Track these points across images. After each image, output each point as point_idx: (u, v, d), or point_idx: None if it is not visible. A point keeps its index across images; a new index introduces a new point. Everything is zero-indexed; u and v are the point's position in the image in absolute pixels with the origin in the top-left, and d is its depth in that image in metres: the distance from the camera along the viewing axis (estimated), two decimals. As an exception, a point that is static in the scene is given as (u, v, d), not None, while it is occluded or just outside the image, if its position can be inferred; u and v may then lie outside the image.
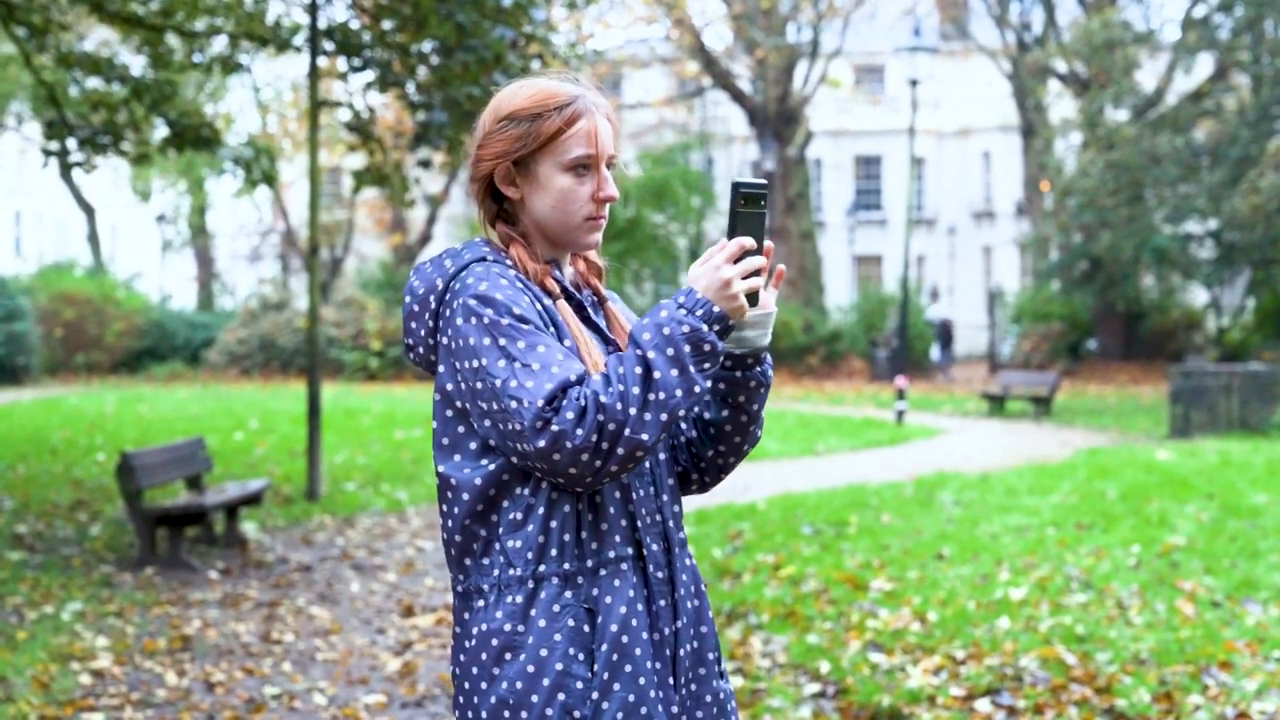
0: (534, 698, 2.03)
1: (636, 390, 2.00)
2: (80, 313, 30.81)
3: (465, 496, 2.10)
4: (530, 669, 2.05)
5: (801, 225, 32.43)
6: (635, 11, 31.37)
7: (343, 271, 35.99)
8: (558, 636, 2.06)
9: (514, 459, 2.07)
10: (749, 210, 2.09)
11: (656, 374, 2.01)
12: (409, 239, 35.64)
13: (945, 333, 29.74)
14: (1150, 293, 31.25)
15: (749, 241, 2.08)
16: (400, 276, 33.60)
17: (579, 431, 1.98)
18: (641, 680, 2.09)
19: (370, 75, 11.72)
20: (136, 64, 13.99)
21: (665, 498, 2.22)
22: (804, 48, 31.92)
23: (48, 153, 12.69)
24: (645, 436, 2.00)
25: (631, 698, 2.08)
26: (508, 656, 2.07)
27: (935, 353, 29.42)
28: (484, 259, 2.16)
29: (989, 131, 42.76)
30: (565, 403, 1.99)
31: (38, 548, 8.93)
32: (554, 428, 1.98)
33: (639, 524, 2.16)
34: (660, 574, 2.18)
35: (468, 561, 2.13)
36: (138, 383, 29.29)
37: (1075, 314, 30.87)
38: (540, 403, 1.99)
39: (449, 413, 2.13)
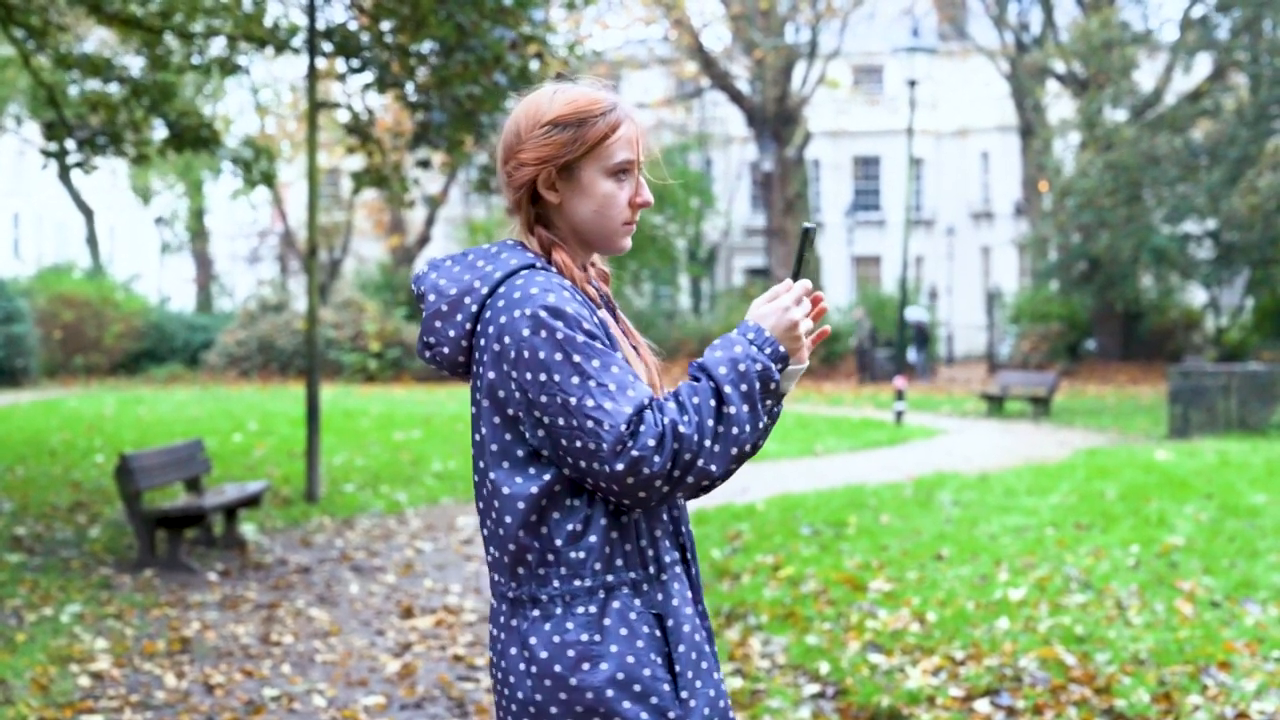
0: (625, 704, 2.05)
1: (710, 422, 2.04)
2: (79, 315, 30.81)
3: (520, 506, 2.08)
4: (619, 677, 2.05)
5: (800, 225, 32.42)
6: (634, 12, 31.39)
7: (341, 273, 36.00)
8: (640, 644, 2.08)
9: (574, 474, 2.06)
10: (811, 254, 2.20)
11: (730, 409, 2.05)
12: (407, 240, 35.64)
13: (921, 335, 29.73)
14: (1149, 293, 31.27)
15: (810, 286, 2.18)
16: (400, 278, 33.61)
17: (657, 459, 2.00)
18: (716, 675, 2.19)
19: (369, 76, 11.72)
20: (135, 65, 14.00)
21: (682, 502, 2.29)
22: (802, 48, 31.93)
23: (47, 154, 12.69)
24: (715, 469, 2.05)
25: (712, 693, 2.16)
26: (586, 666, 2.06)
27: (912, 354, 29.41)
28: (532, 265, 2.13)
29: (987, 132, 42.77)
30: (644, 428, 2.01)
31: (37, 550, 8.93)
32: (634, 453, 2.00)
33: (682, 528, 2.23)
34: (696, 575, 2.27)
35: (521, 570, 2.11)
36: (136, 385, 29.29)
37: (1074, 314, 30.89)
38: (622, 426, 2.00)
39: (497, 419, 2.10)
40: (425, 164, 11.94)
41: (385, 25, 11.34)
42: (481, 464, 2.14)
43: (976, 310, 40.99)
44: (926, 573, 7.82)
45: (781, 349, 2.11)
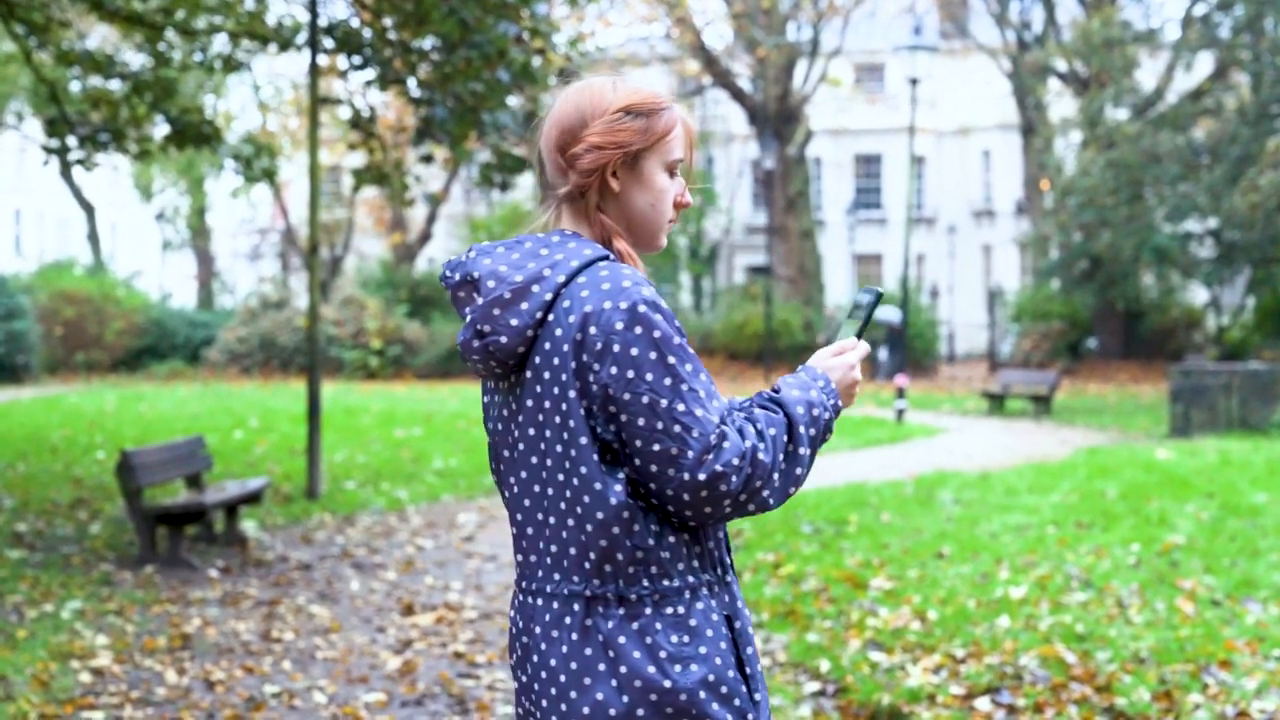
0: (714, 705, 2.03)
1: (780, 457, 2.04)
2: (80, 311, 30.82)
3: (613, 501, 2.01)
4: (709, 679, 2.03)
5: (801, 224, 32.44)
6: (636, 10, 31.38)
7: (343, 270, 36.01)
8: (722, 645, 2.07)
9: (639, 476, 2.01)
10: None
11: (803, 450, 2.07)
12: (409, 238, 35.65)
13: (893, 335, 29.74)
14: (1150, 292, 31.26)
15: (869, 350, 2.24)
16: (401, 275, 33.61)
17: (734, 479, 1.98)
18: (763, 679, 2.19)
19: (371, 73, 11.72)
20: (137, 62, 14.00)
21: None
22: (804, 46, 31.93)
23: (48, 150, 12.70)
24: (773, 502, 2.04)
25: (767, 693, 2.17)
26: (678, 669, 2.01)
27: (883, 354, 29.41)
28: (607, 256, 2.08)
29: (989, 130, 42.76)
30: (728, 445, 1.99)
31: (38, 546, 8.93)
32: (717, 467, 1.97)
33: (726, 532, 2.22)
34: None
35: (607, 568, 2.04)
36: (138, 381, 29.30)
37: (1075, 313, 30.88)
38: (711, 437, 1.98)
39: (582, 411, 2.02)
40: (428, 159, 11.93)
41: (387, 21, 11.34)
42: (555, 460, 2.05)
43: (978, 309, 40.98)
44: (927, 571, 7.82)
45: (840, 404, 2.16)
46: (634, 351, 1.98)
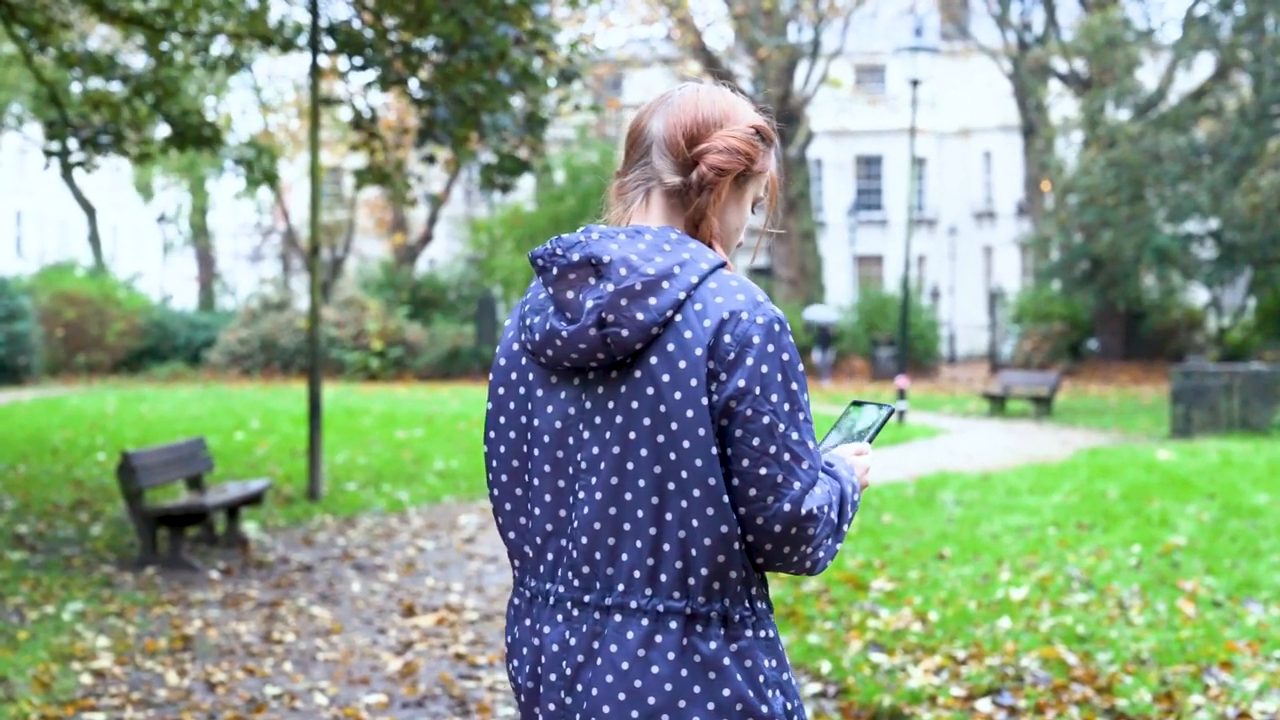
0: None
1: (835, 526, 2.02)
2: (81, 313, 30.83)
3: (735, 516, 1.93)
4: (790, 706, 2.00)
5: (802, 225, 32.45)
6: (637, 11, 31.39)
7: (344, 271, 36.02)
8: (788, 674, 2.04)
9: (730, 495, 1.93)
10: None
11: (845, 526, 2.05)
12: (410, 239, 35.65)
13: (825, 336, 29.79)
14: (1151, 292, 31.27)
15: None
16: (402, 277, 33.59)
17: (820, 524, 1.95)
18: None
19: (372, 74, 11.72)
20: (138, 63, 14.01)
21: None
22: (805, 48, 31.93)
23: (49, 153, 12.70)
24: (823, 565, 2.02)
25: None
26: (771, 694, 1.97)
27: (816, 356, 29.46)
28: (725, 264, 2.00)
29: (990, 131, 42.77)
30: (820, 492, 1.96)
31: (39, 548, 8.93)
32: (812, 507, 1.93)
33: None
34: None
35: (716, 585, 1.94)
36: (139, 383, 29.30)
37: (1076, 314, 30.89)
38: (818, 472, 1.96)
39: (711, 420, 1.92)
40: (431, 159, 11.94)
41: (389, 22, 11.35)
42: (665, 467, 1.93)
43: (978, 310, 40.98)
44: (928, 572, 7.82)
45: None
46: (764, 369, 1.91)
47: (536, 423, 2.03)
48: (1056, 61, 31.17)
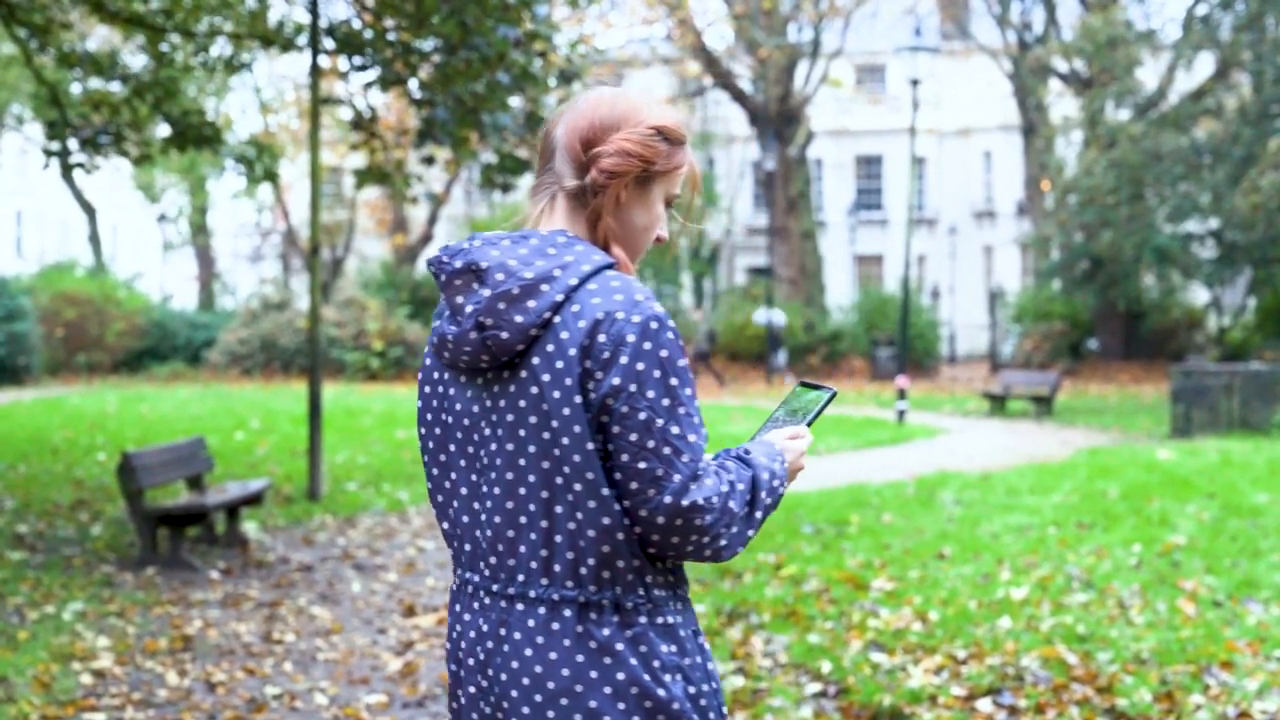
0: (695, 717, 2.04)
1: (742, 513, 2.04)
2: (81, 313, 30.83)
3: (617, 506, 1.98)
4: (691, 690, 2.04)
5: (802, 225, 32.45)
6: (637, 11, 31.39)
7: (344, 271, 36.02)
8: (699, 658, 2.08)
9: (619, 491, 1.98)
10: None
11: (758, 514, 2.07)
12: (410, 239, 35.64)
13: (774, 337, 29.87)
14: (1151, 292, 31.27)
15: (811, 441, 2.26)
16: (402, 277, 33.60)
17: (708, 516, 1.97)
18: None
19: (372, 74, 11.72)
20: (138, 64, 14.00)
21: None
22: (805, 47, 31.94)
23: (49, 153, 12.70)
24: (726, 554, 2.03)
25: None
26: (668, 678, 2.01)
27: (779, 357, 29.52)
28: (613, 265, 2.05)
29: (990, 131, 42.77)
30: (709, 483, 1.99)
31: (39, 547, 8.94)
32: (698, 499, 1.96)
33: None
34: None
35: (606, 574, 2.01)
36: (139, 383, 29.31)
37: (1076, 313, 30.89)
38: (699, 464, 1.98)
39: (588, 417, 1.98)
40: (430, 160, 11.94)
41: (388, 23, 11.35)
42: (551, 463, 2.00)
43: (979, 309, 40.99)
44: (928, 572, 7.82)
45: (788, 483, 2.17)
46: (640, 366, 1.95)
47: (451, 420, 2.12)
48: (1057, 61, 31.17)
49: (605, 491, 1.97)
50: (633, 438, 1.95)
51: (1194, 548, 8.41)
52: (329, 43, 11.47)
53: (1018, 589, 7.18)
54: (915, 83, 20.10)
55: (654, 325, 1.96)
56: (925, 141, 41.62)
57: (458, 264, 2.03)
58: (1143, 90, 28.33)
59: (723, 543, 2.00)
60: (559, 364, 1.97)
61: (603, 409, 1.96)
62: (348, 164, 32.07)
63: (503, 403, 2.04)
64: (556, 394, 1.98)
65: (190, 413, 19.96)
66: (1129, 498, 10.70)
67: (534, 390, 2.00)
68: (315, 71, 11.19)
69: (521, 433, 2.02)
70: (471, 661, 2.11)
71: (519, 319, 1.98)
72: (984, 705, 5.22)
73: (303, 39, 11.82)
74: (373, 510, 10.87)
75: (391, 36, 11.35)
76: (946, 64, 37.36)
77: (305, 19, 11.98)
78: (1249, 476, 11.90)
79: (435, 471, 2.16)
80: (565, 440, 1.98)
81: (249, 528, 9.76)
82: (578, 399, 1.96)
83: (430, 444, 2.16)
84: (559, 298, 1.98)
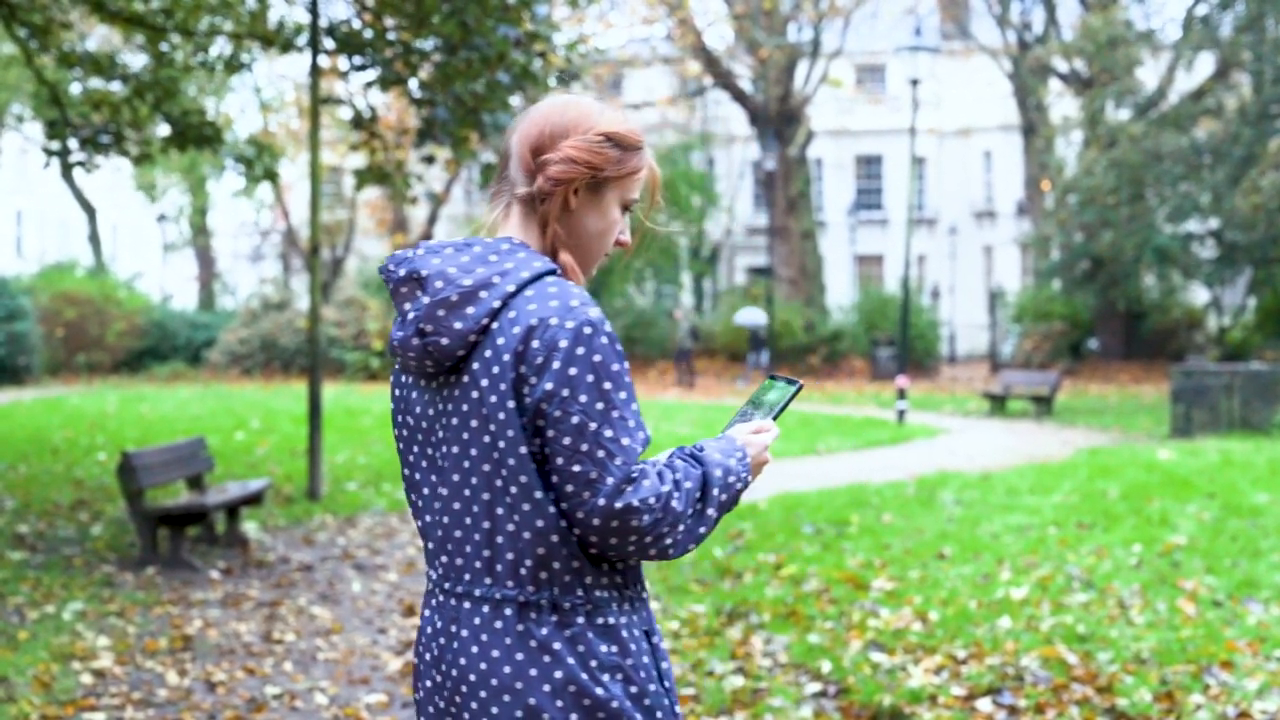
0: (639, 717, 2.06)
1: (690, 511, 2.05)
2: (81, 312, 30.84)
3: (552, 509, 2.01)
4: (633, 690, 2.05)
5: (802, 225, 32.45)
6: (637, 11, 31.39)
7: (344, 271, 36.03)
8: (645, 659, 2.09)
9: (555, 494, 2.01)
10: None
11: (710, 510, 2.08)
12: (410, 239, 35.64)
13: (756, 338, 29.88)
14: (1151, 292, 31.27)
15: (778, 434, 2.27)
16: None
17: (646, 517, 1.98)
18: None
19: (372, 74, 11.72)
20: (138, 64, 14.01)
21: None
22: (805, 47, 31.94)
23: (49, 153, 12.70)
24: (673, 552, 2.04)
25: (682, 711, 2.15)
26: (606, 678, 2.04)
27: (761, 358, 29.51)
28: (554, 271, 2.07)
29: (990, 131, 42.77)
30: (647, 482, 2.00)
31: (39, 547, 8.94)
32: (633, 501, 1.97)
33: None
34: None
35: (543, 575, 2.04)
36: (139, 382, 29.31)
37: (1076, 313, 30.90)
38: (633, 470, 1.99)
39: (521, 422, 2.02)
40: (430, 160, 11.94)
41: (388, 22, 11.35)
42: (491, 465, 2.04)
43: (979, 309, 40.99)
44: (928, 572, 7.82)
45: (750, 479, 2.17)
46: (572, 371, 1.98)
47: (413, 422, 2.17)
48: (1057, 61, 31.17)
49: (539, 495, 2.01)
50: (566, 441, 1.98)
51: (1194, 548, 8.42)
52: (329, 43, 11.47)
53: (1018, 589, 7.19)
54: (915, 83, 20.10)
55: (587, 330, 1.99)
56: (925, 141, 41.62)
57: (401, 272, 2.09)
58: (1143, 90, 28.33)
59: (667, 542, 2.02)
60: (495, 369, 2.02)
61: (538, 414, 1.99)
62: (348, 164, 32.06)
63: (449, 406, 2.08)
64: (493, 399, 2.02)
65: (190, 413, 19.96)
66: (1129, 498, 10.70)
67: (474, 395, 2.04)
68: (315, 71, 11.19)
69: (465, 436, 2.07)
70: (429, 656, 2.16)
71: (458, 325, 2.03)
72: (984, 705, 5.22)
73: (303, 39, 11.82)
74: (373, 510, 10.87)
75: (391, 36, 11.35)
76: (946, 64, 37.35)
77: (305, 18, 11.98)
78: (1249, 476, 11.90)
79: (407, 471, 2.20)
80: (502, 444, 2.02)
81: (249, 528, 9.76)
82: (511, 404, 2.00)
83: (400, 445, 2.21)
84: (496, 304, 2.02)
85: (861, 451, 15.57)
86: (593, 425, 1.97)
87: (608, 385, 1.99)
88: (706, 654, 6.04)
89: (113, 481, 11.50)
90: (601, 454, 1.97)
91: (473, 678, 2.07)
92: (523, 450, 2.01)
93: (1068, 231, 29.54)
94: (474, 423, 2.05)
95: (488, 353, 2.03)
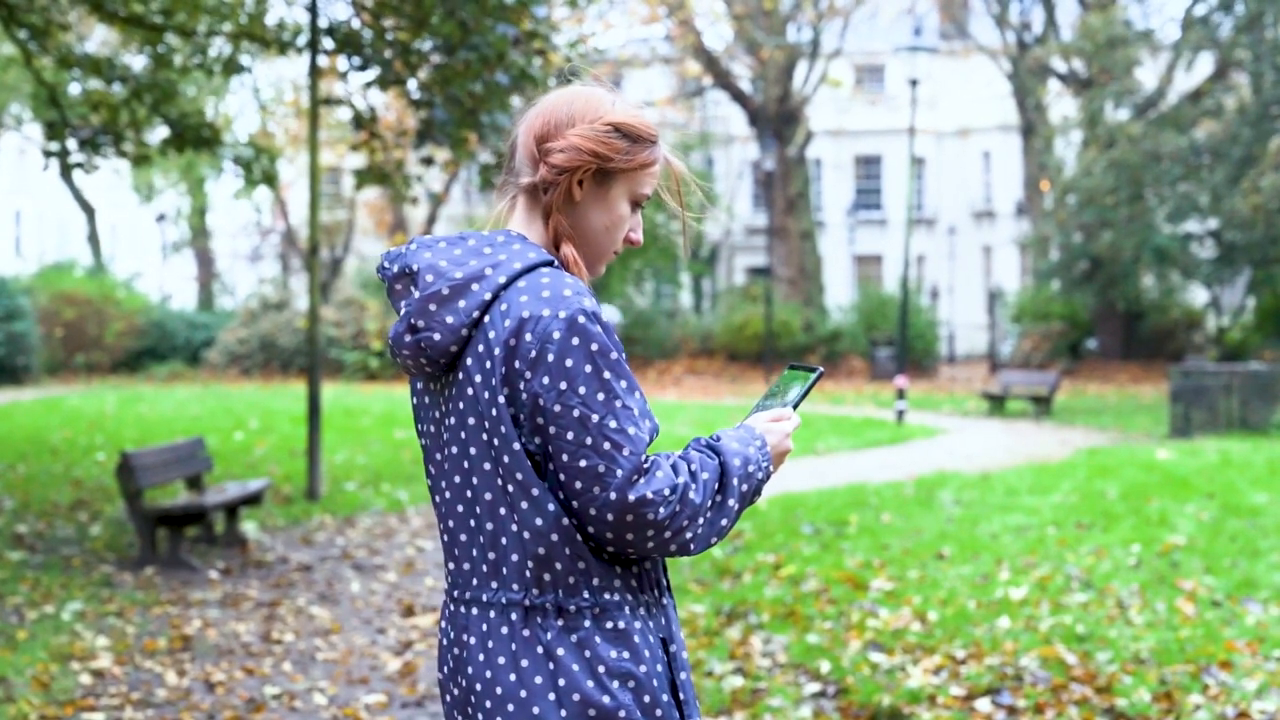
0: None
1: (709, 503, 1.98)
2: (80, 313, 30.83)
3: (551, 507, 1.95)
4: (645, 699, 1.98)
5: (801, 225, 32.44)
6: (637, 11, 31.40)
7: (343, 271, 36.02)
8: (659, 667, 2.02)
9: (564, 493, 1.94)
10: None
11: (731, 502, 2.01)
12: (409, 239, 35.64)
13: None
14: (1150, 292, 31.26)
15: (799, 423, 2.22)
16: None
17: (662, 510, 1.91)
18: (698, 706, 2.13)
19: (371, 74, 11.72)
20: (137, 65, 14.00)
21: None
22: (804, 47, 31.94)
23: (48, 153, 12.70)
24: (695, 546, 1.98)
25: None
26: (616, 685, 1.96)
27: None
28: (551, 263, 2.01)
29: (989, 131, 42.76)
30: (661, 473, 1.93)
31: (38, 547, 8.93)
32: (646, 492, 1.90)
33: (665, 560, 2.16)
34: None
35: (546, 577, 1.97)
36: (138, 383, 29.30)
37: (1075, 314, 30.89)
38: (640, 458, 1.91)
39: (510, 418, 1.96)
40: (429, 161, 11.94)
41: (387, 23, 11.34)
42: (490, 464, 1.98)
43: (978, 309, 40.98)
44: (928, 572, 7.82)
45: (771, 468, 2.12)
46: (569, 362, 1.91)
47: (432, 429, 2.11)
48: (1056, 61, 31.17)
49: (536, 492, 1.94)
50: (569, 436, 1.90)
51: (1193, 548, 8.42)
52: (328, 43, 11.47)
53: (1017, 589, 7.19)
54: (914, 83, 20.10)
55: (581, 320, 1.92)
56: (924, 141, 41.61)
57: (395, 268, 2.04)
58: (1142, 90, 28.33)
59: (687, 535, 1.95)
60: (487, 364, 1.96)
61: (536, 409, 1.93)
62: (347, 164, 32.07)
63: (450, 405, 2.03)
64: (486, 395, 1.96)
65: (189, 413, 19.96)
66: (1128, 498, 10.71)
67: (469, 392, 1.99)
68: (315, 72, 11.19)
69: (464, 435, 2.01)
70: (446, 669, 2.10)
71: (449, 319, 1.97)
72: (983, 705, 5.22)
73: (302, 39, 11.82)
74: (372, 510, 10.87)
75: (391, 37, 11.35)
76: (945, 64, 37.33)
77: (304, 19, 11.98)
78: (1248, 476, 11.90)
79: (430, 483, 2.14)
80: (497, 441, 1.96)
81: (248, 528, 9.76)
82: (503, 399, 1.94)
83: (423, 445, 2.15)
84: (488, 297, 1.97)
85: (860, 451, 15.57)
86: (595, 417, 1.90)
87: (607, 374, 1.92)
88: (706, 654, 6.04)
89: (112, 482, 11.50)
90: (608, 446, 1.90)
91: (479, 686, 2.01)
92: (516, 446, 1.94)
93: (1067, 232, 29.54)
94: (471, 421, 1.99)
95: (480, 347, 1.97)
